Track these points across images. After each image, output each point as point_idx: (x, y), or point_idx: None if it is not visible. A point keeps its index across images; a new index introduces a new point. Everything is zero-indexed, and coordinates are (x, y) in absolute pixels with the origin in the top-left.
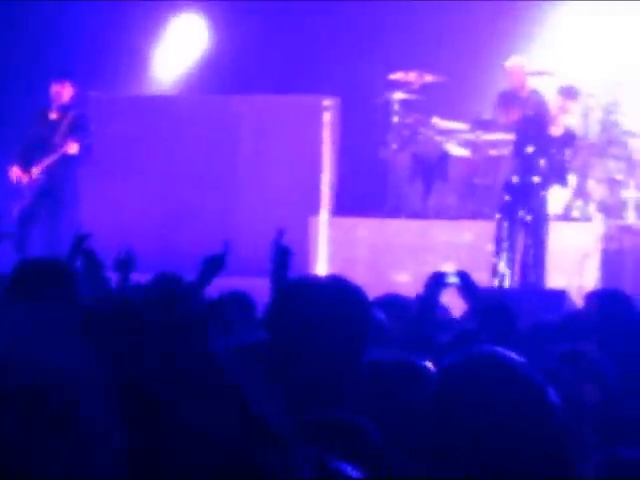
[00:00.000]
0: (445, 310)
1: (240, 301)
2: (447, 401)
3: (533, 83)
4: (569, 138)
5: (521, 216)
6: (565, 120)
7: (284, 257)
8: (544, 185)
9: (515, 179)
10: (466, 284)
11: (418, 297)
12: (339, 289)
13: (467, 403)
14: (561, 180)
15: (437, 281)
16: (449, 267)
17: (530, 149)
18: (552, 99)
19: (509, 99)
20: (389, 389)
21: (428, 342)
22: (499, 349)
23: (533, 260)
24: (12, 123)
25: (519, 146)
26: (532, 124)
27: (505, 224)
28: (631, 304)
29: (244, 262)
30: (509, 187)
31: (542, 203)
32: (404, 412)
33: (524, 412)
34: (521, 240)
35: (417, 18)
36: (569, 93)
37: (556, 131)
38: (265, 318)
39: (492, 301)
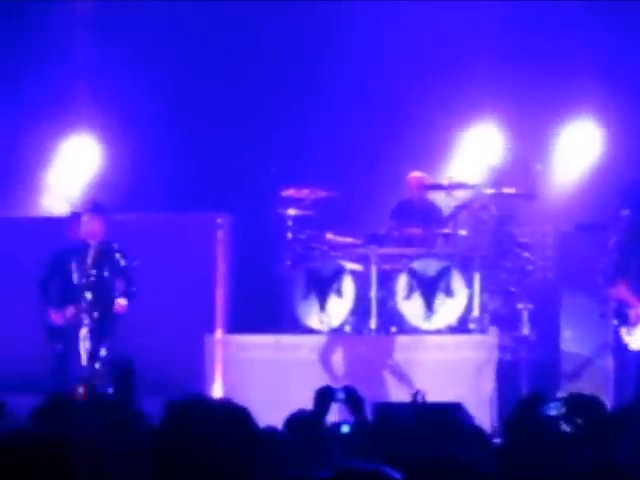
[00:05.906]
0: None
1: None
2: None
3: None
4: None
5: None
6: None
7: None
8: None
9: None
10: (352, 399)
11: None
12: (226, 412)
13: None
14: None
15: (326, 396)
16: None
17: None
18: None
19: (404, 210)
20: None
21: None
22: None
23: None
24: None
25: None
26: None
27: None
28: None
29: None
30: None
31: None
32: None
33: None
34: None
35: (309, 133)
36: None
37: None
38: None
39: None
